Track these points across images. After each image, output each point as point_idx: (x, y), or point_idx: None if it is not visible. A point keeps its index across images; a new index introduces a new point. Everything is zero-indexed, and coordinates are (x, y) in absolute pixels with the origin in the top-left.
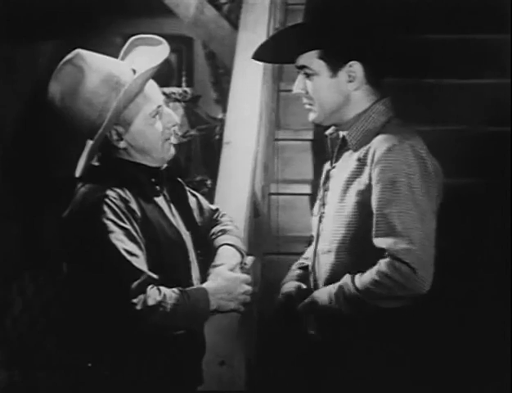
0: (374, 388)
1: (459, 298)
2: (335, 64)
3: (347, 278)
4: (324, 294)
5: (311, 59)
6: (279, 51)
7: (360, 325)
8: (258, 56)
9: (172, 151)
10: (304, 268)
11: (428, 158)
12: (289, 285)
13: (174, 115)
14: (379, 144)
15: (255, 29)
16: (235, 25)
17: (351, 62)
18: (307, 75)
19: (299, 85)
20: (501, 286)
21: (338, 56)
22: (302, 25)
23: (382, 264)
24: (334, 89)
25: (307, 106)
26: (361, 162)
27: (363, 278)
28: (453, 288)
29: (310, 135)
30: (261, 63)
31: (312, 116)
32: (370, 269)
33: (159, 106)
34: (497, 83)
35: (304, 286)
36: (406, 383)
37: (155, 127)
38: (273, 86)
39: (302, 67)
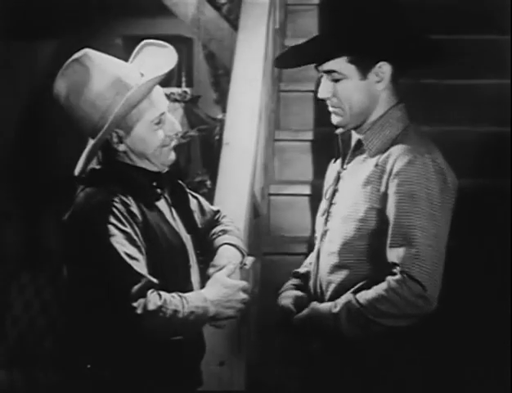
0: (373, 389)
1: (458, 302)
2: (365, 66)
3: (349, 296)
4: (324, 311)
5: (340, 64)
6: (303, 59)
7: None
8: (280, 63)
9: (173, 156)
10: (301, 275)
11: (448, 173)
12: (286, 294)
13: (177, 124)
14: (400, 155)
15: (254, 30)
16: (234, 26)
17: (380, 63)
18: (336, 79)
19: (327, 89)
20: (503, 286)
21: (367, 58)
22: (327, 36)
23: (391, 281)
24: (365, 91)
25: (332, 109)
26: (379, 169)
27: (367, 296)
28: (453, 292)
29: (310, 136)
30: (261, 63)
31: (336, 119)
32: (375, 287)
33: (162, 114)
34: (497, 83)
35: (301, 294)
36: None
37: (157, 134)
38: (273, 86)
39: (330, 72)
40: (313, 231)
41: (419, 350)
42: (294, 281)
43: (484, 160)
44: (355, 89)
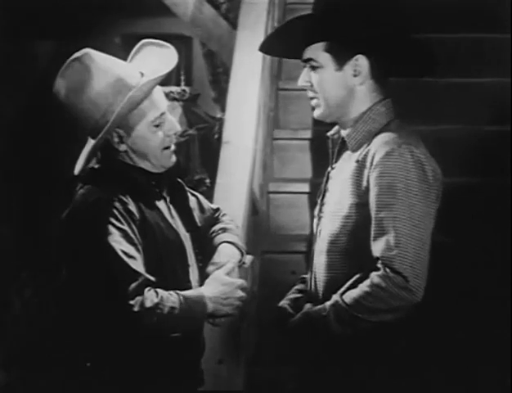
0: (372, 389)
1: (457, 300)
2: (341, 57)
3: (336, 298)
4: (315, 316)
5: (317, 52)
6: (285, 44)
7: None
8: (265, 48)
9: (173, 158)
10: (306, 280)
11: (427, 163)
12: (287, 297)
13: (176, 123)
14: (379, 147)
15: (254, 28)
16: (233, 24)
17: (357, 56)
18: (313, 68)
19: (304, 78)
20: (501, 286)
21: (344, 49)
22: (309, 16)
23: (374, 276)
24: (339, 83)
25: (313, 101)
26: (360, 164)
27: (353, 294)
28: (451, 290)
29: (308, 134)
30: (259, 61)
31: (316, 112)
32: (360, 285)
33: (162, 114)
34: (497, 83)
35: (299, 296)
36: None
37: (157, 134)
38: (272, 85)
39: (308, 60)
40: (312, 229)
41: (415, 346)
42: (299, 286)
43: (484, 159)
44: (330, 79)
